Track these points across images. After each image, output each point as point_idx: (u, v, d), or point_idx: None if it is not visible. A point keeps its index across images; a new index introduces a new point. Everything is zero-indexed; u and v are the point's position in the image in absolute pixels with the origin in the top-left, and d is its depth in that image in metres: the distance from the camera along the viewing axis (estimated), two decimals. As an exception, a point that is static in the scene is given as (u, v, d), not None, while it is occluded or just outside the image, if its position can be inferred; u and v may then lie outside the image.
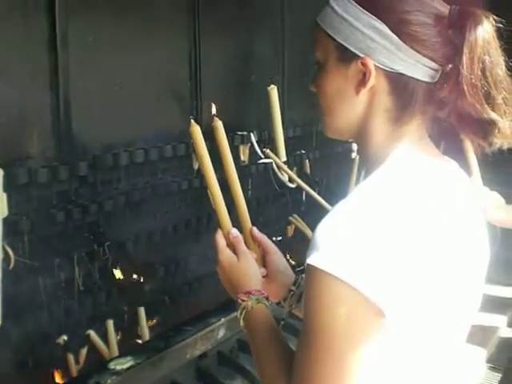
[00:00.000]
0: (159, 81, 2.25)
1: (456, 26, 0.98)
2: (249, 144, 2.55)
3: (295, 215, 2.87)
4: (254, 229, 1.29)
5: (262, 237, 1.29)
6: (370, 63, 0.99)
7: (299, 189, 2.70)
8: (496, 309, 3.17)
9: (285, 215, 2.90)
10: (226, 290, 1.24)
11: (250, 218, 1.30)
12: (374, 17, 0.98)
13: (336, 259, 0.89)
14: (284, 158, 2.52)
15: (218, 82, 2.53)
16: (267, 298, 1.16)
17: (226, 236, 1.25)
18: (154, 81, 2.22)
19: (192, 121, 1.24)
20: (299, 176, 2.71)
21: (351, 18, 0.99)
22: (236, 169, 1.32)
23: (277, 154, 2.49)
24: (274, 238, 2.29)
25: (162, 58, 2.25)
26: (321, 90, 1.06)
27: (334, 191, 3.07)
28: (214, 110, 1.30)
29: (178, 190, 2.28)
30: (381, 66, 0.99)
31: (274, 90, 2.34)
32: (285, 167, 2.55)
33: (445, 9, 1.01)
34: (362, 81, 1.00)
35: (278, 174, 2.61)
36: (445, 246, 0.97)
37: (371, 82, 1.00)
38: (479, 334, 2.75)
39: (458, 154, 1.38)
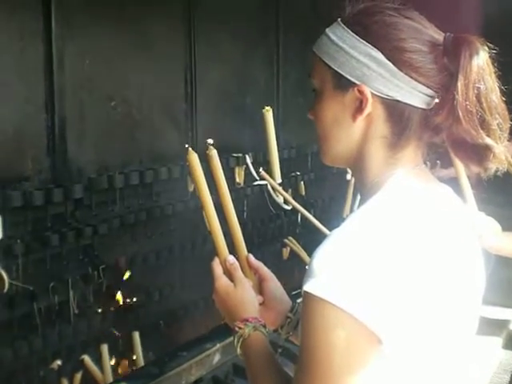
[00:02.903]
0: (154, 103, 2.26)
1: (451, 53, 0.99)
2: (244, 166, 2.55)
3: (290, 237, 2.86)
4: (250, 256, 1.28)
5: (259, 264, 1.28)
6: (367, 90, 0.99)
7: (294, 211, 2.69)
8: (491, 330, 3.15)
9: (280, 237, 2.89)
10: (221, 315, 1.23)
11: (245, 240, 1.30)
12: (369, 45, 0.99)
13: (333, 286, 0.88)
14: (279, 180, 2.52)
15: (213, 103, 2.54)
16: (264, 326, 1.15)
17: (223, 263, 1.24)
18: (149, 103, 2.23)
19: (190, 149, 1.24)
20: (294, 198, 2.71)
21: (347, 46, 1.00)
22: (231, 191, 1.32)
23: (272, 176, 2.49)
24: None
25: (158, 81, 2.25)
26: (318, 118, 1.06)
27: (329, 213, 3.07)
28: (210, 141, 1.29)
29: (173, 213, 2.27)
30: (377, 94, 0.99)
31: (269, 112, 2.34)
32: (280, 189, 2.55)
33: (440, 36, 1.01)
34: (359, 108, 1.00)
35: (273, 195, 2.60)
36: (441, 273, 0.97)
37: (368, 109, 1.00)
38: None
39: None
